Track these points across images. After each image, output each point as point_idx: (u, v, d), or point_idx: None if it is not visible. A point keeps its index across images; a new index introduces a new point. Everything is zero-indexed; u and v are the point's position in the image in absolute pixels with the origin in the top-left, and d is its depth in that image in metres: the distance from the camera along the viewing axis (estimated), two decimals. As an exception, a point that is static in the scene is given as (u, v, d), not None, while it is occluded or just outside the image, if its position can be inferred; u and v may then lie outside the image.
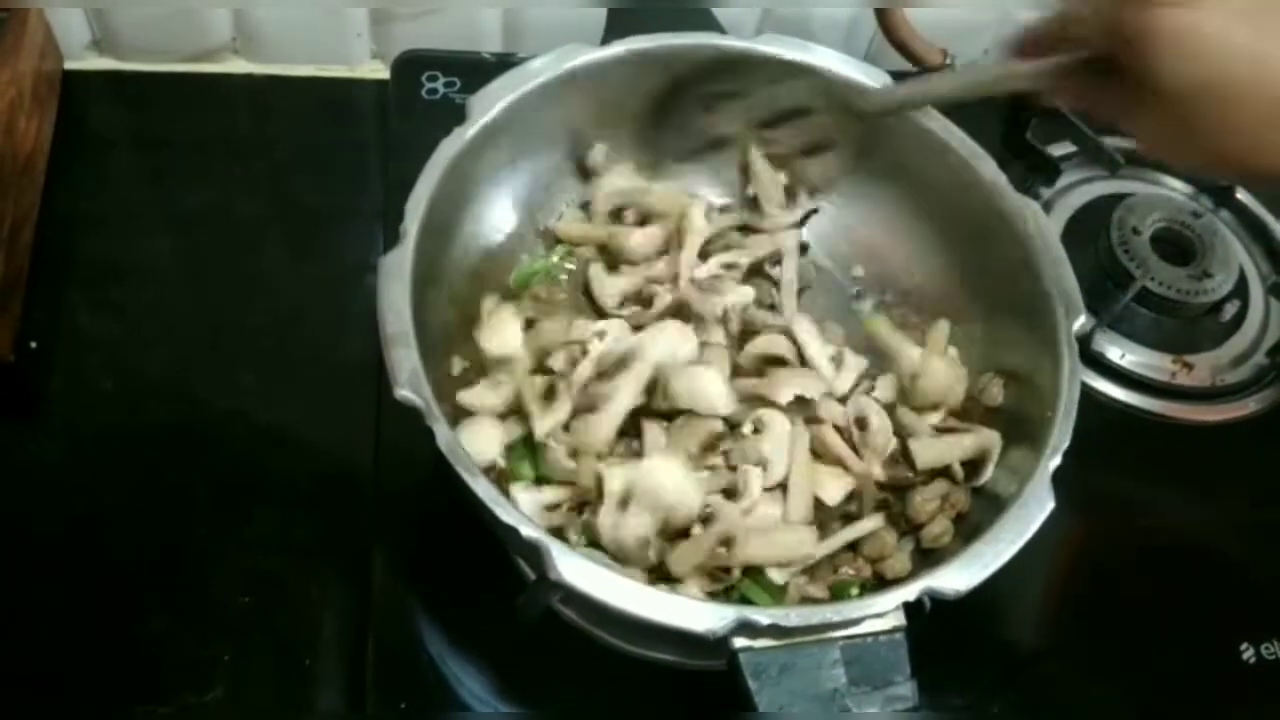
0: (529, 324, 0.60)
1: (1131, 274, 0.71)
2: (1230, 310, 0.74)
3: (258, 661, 0.57)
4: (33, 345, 0.65)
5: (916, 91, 0.61)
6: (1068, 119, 0.74)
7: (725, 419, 0.57)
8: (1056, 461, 0.50)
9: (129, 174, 0.74)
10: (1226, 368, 0.73)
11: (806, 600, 0.54)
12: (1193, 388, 0.71)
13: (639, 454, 0.56)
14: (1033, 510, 0.49)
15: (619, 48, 0.59)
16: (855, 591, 0.55)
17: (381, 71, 0.80)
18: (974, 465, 0.57)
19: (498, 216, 0.62)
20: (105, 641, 0.57)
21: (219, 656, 0.57)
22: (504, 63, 0.64)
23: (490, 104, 0.56)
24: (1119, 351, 0.71)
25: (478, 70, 0.72)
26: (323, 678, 0.57)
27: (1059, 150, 0.77)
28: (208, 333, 0.68)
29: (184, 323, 0.68)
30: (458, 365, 0.58)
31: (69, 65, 0.77)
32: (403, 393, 0.47)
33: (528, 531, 0.44)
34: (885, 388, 0.61)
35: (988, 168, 0.60)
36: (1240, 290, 0.74)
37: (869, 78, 0.61)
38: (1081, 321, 0.55)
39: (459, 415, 0.56)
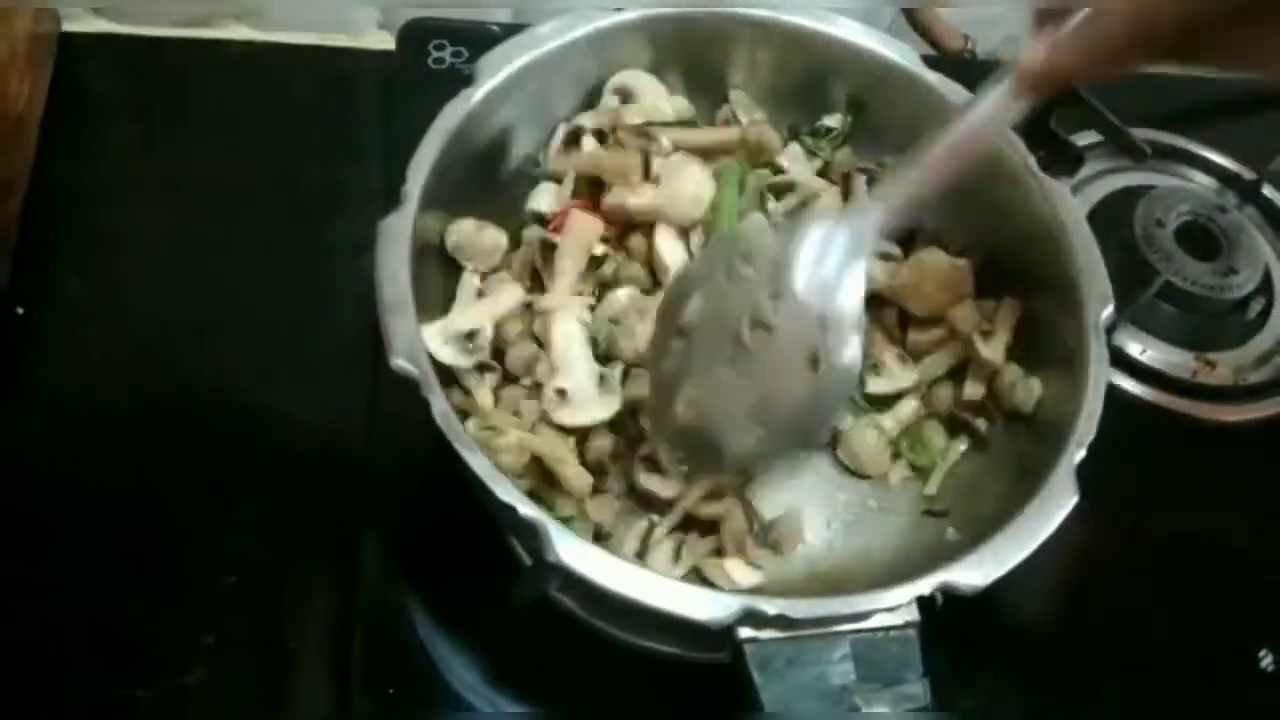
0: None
1: (1155, 268, 0.69)
2: (1255, 308, 0.72)
3: (240, 645, 0.56)
4: (19, 311, 0.63)
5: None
6: (1094, 107, 0.71)
7: None
8: (1081, 454, 0.48)
9: (124, 141, 0.72)
10: (1249, 367, 0.71)
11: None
12: (1214, 386, 0.69)
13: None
14: (1055, 504, 0.47)
15: (634, 14, 0.57)
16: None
17: (387, 42, 0.78)
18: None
19: (502, 184, 0.60)
20: (83, 621, 0.55)
21: (201, 639, 0.55)
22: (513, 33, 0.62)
23: (499, 66, 0.54)
24: (1139, 347, 0.69)
25: (486, 40, 0.69)
26: (307, 662, 0.55)
27: (1083, 140, 0.74)
28: (200, 306, 0.66)
29: (176, 295, 0.66)
30: None
31: (67, 27, 0.75)
32: (399, 362, 0.45)
33: (525, 510, 0.42)
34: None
35: (1014, 149, 0.57)
36: (1265, 287, 0.72)
37: (894, 52, 0.59)
38: (1110, 310, 0.53)
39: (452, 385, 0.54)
